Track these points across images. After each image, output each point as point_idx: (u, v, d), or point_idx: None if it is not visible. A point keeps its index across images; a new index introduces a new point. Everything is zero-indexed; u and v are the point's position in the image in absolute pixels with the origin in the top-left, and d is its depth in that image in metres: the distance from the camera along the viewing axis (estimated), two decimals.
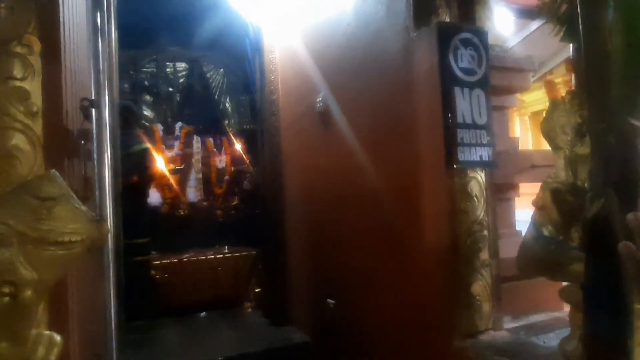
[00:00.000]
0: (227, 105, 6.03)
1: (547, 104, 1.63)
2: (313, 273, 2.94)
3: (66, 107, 1.19)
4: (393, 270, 2.00)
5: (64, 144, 1.21)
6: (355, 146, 2.31)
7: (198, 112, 5.53)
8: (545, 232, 1.47)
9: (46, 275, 0.72)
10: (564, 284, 1.70)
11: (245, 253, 4.13)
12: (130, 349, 2.95)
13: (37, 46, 1.11)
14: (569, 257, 1.51)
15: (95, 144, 1.18)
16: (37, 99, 1.08)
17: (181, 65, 5.78)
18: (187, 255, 3.98)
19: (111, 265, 1.16)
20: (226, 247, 4.28)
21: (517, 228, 2.14)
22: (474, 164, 1.74)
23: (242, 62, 5.23)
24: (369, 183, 2.18)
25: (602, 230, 1.13)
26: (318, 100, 2.71)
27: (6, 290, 0.69)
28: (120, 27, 3.75)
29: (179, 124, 5.02)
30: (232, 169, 4.97)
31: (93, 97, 1.19)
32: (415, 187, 1.87)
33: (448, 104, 1.71)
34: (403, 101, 1.93)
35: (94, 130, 1.20)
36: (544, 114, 1.58)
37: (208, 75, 5.91)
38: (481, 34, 1.81)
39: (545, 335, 1.97)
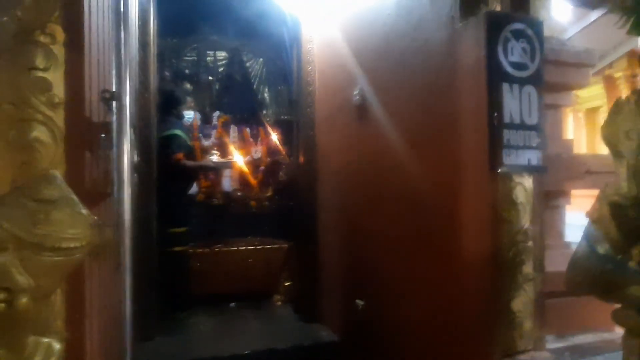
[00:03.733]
0: (265, 95, 6.00)
1: (606, 101, 1.45)
2: (344, 271, 2.85)
3: (88, 99, 1.16)
4: (428, 277, 1.88)
5: (85, 137, 1.17)
6: (392, 142, 2.19)
7: (236, 101, 5.53)
8: (600, 249, 1.31)
9: (44, 282, 0.68)
10: (618, 305, 1.53)
11: (277, 246, 4.09)
12: (161, 337, 2.99)
13: (60, 36, 1.07)
14: (627, 278, 1.35)
15: (115, 137, 1.14)
16: (59, 90, 1.05)
17: (221, 54, 5.80)
18: (219, 246, 3.99)
19: (127, 262, 1.12)
20: (258, 239, 4.26)
21: (567, 239, 1.96)
22: (521, 169, 1.59)
23: (281, 52, 5.18)
24: (405, 182, 2.06)
25: None
26: (355, 93, 2.60)
27: (1, 296, 0.65)
28: (163, 17, 3.79)
29: (217, 113, 5.03)
30: (268, 159, 4.94)
31: (114, 89, 1.15)
32: (455, 190, 1.73)
33: (495, 101, 1.56)
34: (445, 97, 1.79)
35: (114, 123, 1.15)
36: (606, 117, 1.40)
37: (247, 64, 5.90)
38: (535, 25, 1.63)
39: (592, 359, 1.80)
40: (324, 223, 3.18)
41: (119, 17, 1.14)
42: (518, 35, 1.60)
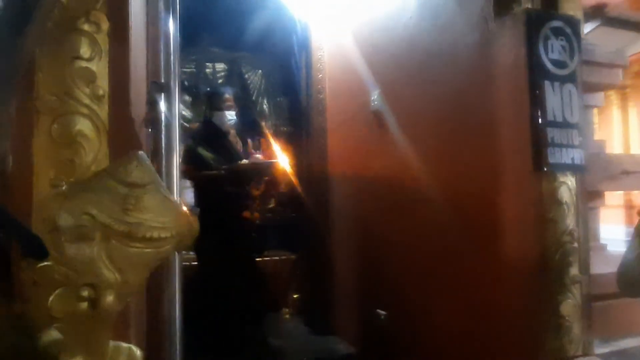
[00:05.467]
0: (264, 106, 5.96)
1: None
2: (361, 281, 2.77)
3: (135, 92, 1.09)
4: (464, 284, 1.82)
5: (131, 132, 1.10)
6: (416, 147, 2.15)
7: (236, 113, 5.46)
8: None
9: (131, 277, 0.60)
10: None
11: (284, 257, 3.99)
12: None
13: (105, 24, 1.00)
14: None
15: (163, 133, 1.07)
16: (103, 82, 0.98)
17: (220, 66, 5.76)
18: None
19: (177, 263, 1.04)
20: (264, 251, 4.15)
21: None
22: (565, 167, 1.55)
23: (281, 64, 5.15)
24: (433, 187, 2.01)
25: None
26: (372, 98, 2.56)
27: (85, 294, 0.57)
28: None
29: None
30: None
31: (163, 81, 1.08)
32: (494, 192, 1.69)
33: (537, 99, 1.53)
34: (479, 98, 1.75)
35: (163, 118, 1.08)
36: None
37: (246, 76, 5.87)
38: (573, 23, 1.62)
39: None
40: (338, 233, 3.11)
41: (168, 6, 1.08)
42: (557, 33, 1.58)
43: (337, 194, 3.12)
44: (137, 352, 0.65)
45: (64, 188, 0.68)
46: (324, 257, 3.19)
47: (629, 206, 6.49)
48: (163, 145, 1.08)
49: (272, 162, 3.47)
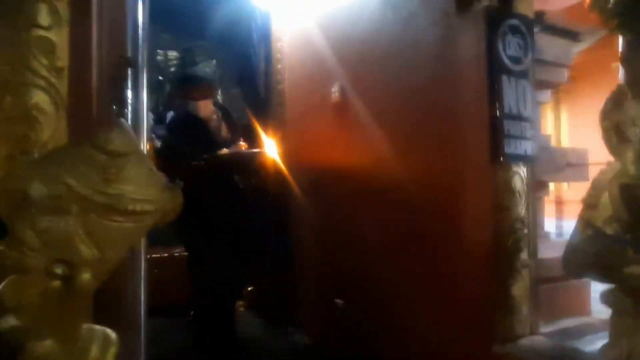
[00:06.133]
0: (218, 98, 5.83)
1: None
2: (321, 272, 2.79)
3: (97, 65, 1.02)
4: (423, 271, 1.88)
5: (92, 108, 1.03)
6: (378, 139, 2.19)
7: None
8: (609, 230, 1.38)
9: (109, 254, 0.56)
10: (607, 287, 1.61)
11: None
12: None
13: None
14: (629, 258, 1.42)
15: (130, 114, 1.02)
16: (63, 54, 0.92)
17: (173, 54, 5.56)
18: (178, 250, 3.76)
19: (142, 251, 1.00)
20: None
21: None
22: (519, 158, 1.65)
23: (237, 54, 5.05)
24: (395, 178, 2.05)
25: None
26: (334, 90, 2.58)
27: (59, 271, 0.53)
28: None
29: (171, 113, 4.78)
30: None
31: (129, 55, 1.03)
32: (452, 182, 1.76)
33: (496, 93, 1.61)
34: (440, 91, 1.82)
35: (130, 97, 1.03)
36: (607, 105, 1.50)
37: (200, 65, 5.70)
38: (528, 22, 1.72)
39: (578, 341, 1.89)
40: (296, 225, 3.11)
41: None
42: (514, 30, 1.67)
43: (297, 185, 3.11)
44: (112, 335, 0.61)
45: (35, 156, 0.63)
46: (280, 249, 3.17)
47: (559, 201, 7.00)
48: (130, 122, 1.02)
49: (257, 152, 3.03)
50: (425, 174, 1.89)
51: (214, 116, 2.96)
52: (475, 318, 1.67)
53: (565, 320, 1.94)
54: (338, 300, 2.56)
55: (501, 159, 1.60)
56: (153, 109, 4.98)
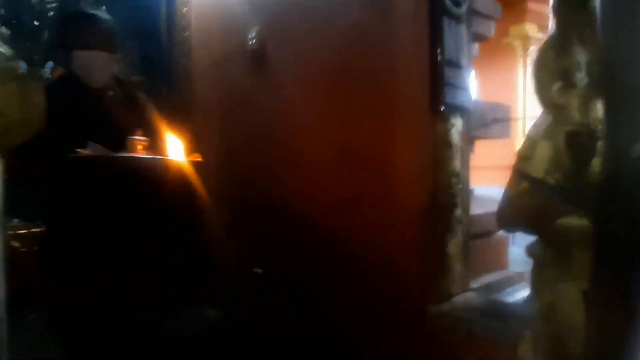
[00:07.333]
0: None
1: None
2: (239, 241, 2.54)
3: None
4: (354, 232, 1.74)
5: None
6: (304, 91, 1.98)
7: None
8: (551, 180, 1.34)
9: None
10: (532, 240, 1.62)
11: None
12: None
13: None
14: (563, 209, 1.41)
15: None
16: None
17: None
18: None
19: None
20: None
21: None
22: (458, 109, 1.55)
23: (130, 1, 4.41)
24: (324, 133, 1.87)
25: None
26: (250, 36, 2.28)
27: None
28: None
29: (50, 64, 4.05)
30: None
31: None
32: (387, 134, 1.62)
33: (437, 37, 1.48)
34: (377, 34, 1.64)
35: None
36: (545, 53, 1.45)
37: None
38: None
39: (499, 294, 1.93)
40: (208, 191, 2.80)
41: None
42: None
43: (207, 146, 2.78)
44: None
45: None
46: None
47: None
48: None
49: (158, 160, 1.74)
50: (359, 127, 1.72)
51: (111, 91, 1.84)
52: (410, 278, 1.59)
53: (488, 276, 1.96)
54: (257, 269, 2.36)
55: (442, 108, 1.49)
56: (27, 59, 4.18)
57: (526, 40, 5.38)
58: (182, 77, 2.89)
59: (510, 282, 2.00)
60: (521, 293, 1.94)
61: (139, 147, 1.67)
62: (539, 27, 5.26)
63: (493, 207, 1.98)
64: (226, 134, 2.56)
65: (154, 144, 1.77)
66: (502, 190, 1.58)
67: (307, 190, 1.98)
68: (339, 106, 1.81)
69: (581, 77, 1.26)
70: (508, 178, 1.63)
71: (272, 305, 2.14)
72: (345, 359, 1.80)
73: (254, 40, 2.26)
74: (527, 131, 1.58)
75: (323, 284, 1.89)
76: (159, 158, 1.71)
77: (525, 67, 5.37)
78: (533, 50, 5.30)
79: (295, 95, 2.01)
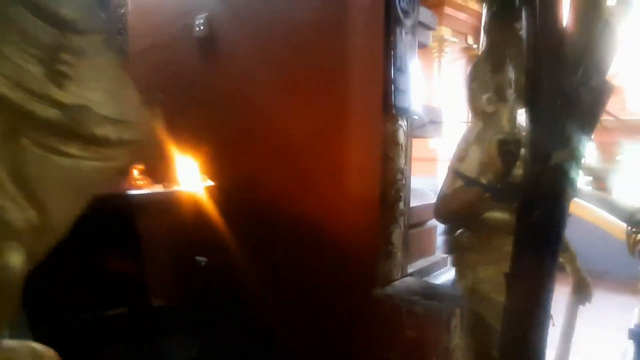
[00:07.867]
0: None
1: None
2: (181, 231, 2.50)
3: None
4: (307, 221, 1.84)
5: None
6: (255, 83, 2.01)
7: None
8: (483, 180, 1.55)
9: (55, 214, 0.31)
10: (460, 231, 1.86)
11: None
12: None
13: None
14: (490, 204, 1.64)
15: None
16: None
17: None
18: None
19: None
20: None
21: None
22: (405, 111, 1.71)
23: None
24: (274, 127, 1.93)
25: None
26: (198, 22, 2.24)
27: None
28: None
29: None
30: None
31: None
32: (339, 132, 1.73)
33: (391, 44, 1.61)
34: (332, 37, 1.74)
35: None
36: (480, 68, 1.65)
37: None
38: None
39: (429, 277, 2.17)
40: None
41: None
42: None
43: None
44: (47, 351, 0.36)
45: None
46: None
47: None
48: None
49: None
50: (312, 124, 1.82)
51: None
52: (358, 265, 1.73)
53: (420, 261, 2.19)
54: (200, 258, 2.36)
55: (393, 111, 1.63)
56: None
57: (442, 42, 5.82)
58: (119, 54, 2.73)
59: (437, 266, 2.26)
60: (446, 276, 2.20)
61: None
62: (453, 31, 5.71)
63: (426, 199, 2.21)
64: (168, 117, 2.49)
65: None
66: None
67: (252, 177, 2.02)
68: (293, 98, 1.88)
69: (511, 93, 1.47)
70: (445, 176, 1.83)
71: (221, 295, 2.17)
72: (304, 337, 1.90)
73: (202, 28, 2.23)
74: (464, 134, 1.79)
75: (280, 271, 1.98)
76: None
77: (440, 67, 5.80)
78: (447, 52, 5.74)
79: (244, 85, 2.03)
